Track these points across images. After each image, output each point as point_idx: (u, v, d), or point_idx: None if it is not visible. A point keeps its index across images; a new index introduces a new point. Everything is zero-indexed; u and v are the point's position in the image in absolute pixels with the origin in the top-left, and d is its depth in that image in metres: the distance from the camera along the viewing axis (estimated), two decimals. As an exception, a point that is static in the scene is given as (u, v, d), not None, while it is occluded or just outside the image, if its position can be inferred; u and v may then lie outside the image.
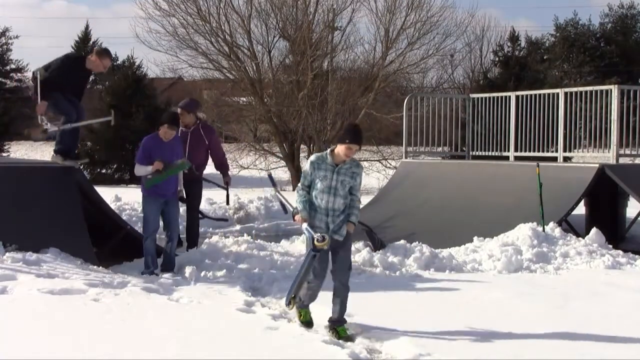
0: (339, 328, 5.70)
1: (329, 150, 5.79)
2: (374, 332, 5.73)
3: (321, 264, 5.74)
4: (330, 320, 5.79)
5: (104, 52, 9.13)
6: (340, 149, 5.68)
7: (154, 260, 8.22)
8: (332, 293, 5.78)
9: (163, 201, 8.27)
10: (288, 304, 5.84)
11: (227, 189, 10.23)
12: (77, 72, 8.85)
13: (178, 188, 8.55)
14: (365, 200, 14.46)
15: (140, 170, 8.21)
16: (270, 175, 9.17)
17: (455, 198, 11.77)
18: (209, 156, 9.81)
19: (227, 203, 11.07)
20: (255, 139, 25.43)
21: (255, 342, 5.42)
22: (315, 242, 5.51)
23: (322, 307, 6.56)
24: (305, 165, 5.90)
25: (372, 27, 28.34)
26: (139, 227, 10.84)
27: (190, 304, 6.65)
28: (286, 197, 9.10)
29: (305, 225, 5.69)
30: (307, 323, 5.88)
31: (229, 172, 10.20)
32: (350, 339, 5.60)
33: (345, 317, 5.78)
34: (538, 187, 9.71)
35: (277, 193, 8.73)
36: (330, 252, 5.74)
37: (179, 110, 9.50)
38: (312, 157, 5.85)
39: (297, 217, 5.79)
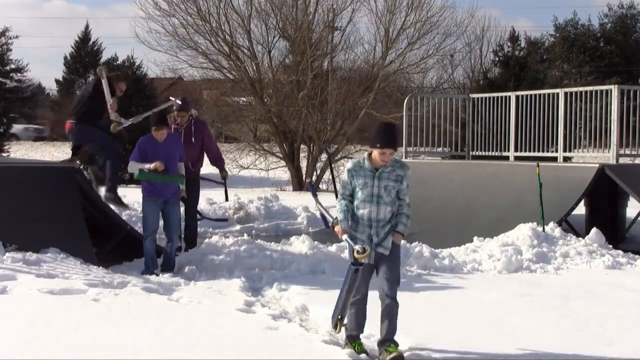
0: (389, 348, 5.11)
1: (366, 154, 5.26)
2: (374, 332, 5.72)
3: (362, 278, 5.17)
4: (381, 341, 5.21)
5: (120, 77, 9.35)
6: (374, 154, 5.17)
7: (153, 260, 8.23)
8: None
9: (162, 201, 8.28)
10: (335, 326, 5.29)
11: (224, 184, 10.07)
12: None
13: (180, 188, 8.54)
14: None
15: (133, 166, 8.23)
16: (310, 184, 8.62)
17: (455, 198, 11.77)
18: (204, 153, 9.68)
19: (226, 199, 10.96)
20: (255, 139, 25.42)
21: (255, 342, 5.42)
22: (355, 254, 4.97)
23: (321, 307, 6.57)
24: (343, 174, 5.37)
25: (372, 27, 28.36)
26: (139, 227, 10.83)
27: (190, 304, 6.65)
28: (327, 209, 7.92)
29: (345, 237, 5.18)
30: (362, 352, 5.27)
31: (225, 167, 10.10)
32: (401, 357, 5.08)
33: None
34: (538, 187, 9.71)
35: (317, 204, 7.59)
36: (374, 266, 5.22)
37: (175, 113, 9.35)
38: (349, 164, 5.34)
39: (336, 228, 5.26)
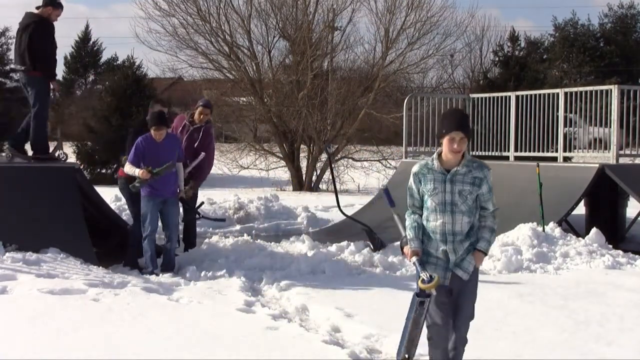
0: None
1: (435, 153, 4.36)
2: (374, 332, 5.72)
3: (440, 311, 4.30)
4: None
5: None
6: (444, 145, 4.26)
7: (153, 260, 8.23)
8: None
9: (161, 201, 8.27)
10: None
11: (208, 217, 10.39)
12: None
13: (179, 189, 8.54)
14: (365, 200, 14.48)
15: (130, 170, 8.23)
16: (386, 191, 6.65)
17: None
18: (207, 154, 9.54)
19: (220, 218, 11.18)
20: (255, 139, 25.40)
21: (255, 342, 5.42)
22: (420, 283, 4.15)
23: (321, 307, 6.57)
24: (409, 181, 4.45)
25: (372, 27, 28.33)
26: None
27: (190, 304, 6.65)
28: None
29: (414, 259, 4.30)
30: None
31: (204, 179, 9.53)
32: None
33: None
34: (538, 187, 9.71)
35: (395, 215, 5.62)
36: (450, 289, 4.33)
37: (200, 109, 9.22)
38: (415, 167, 4.41)
39: (405, 249, 4.37)
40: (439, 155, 4.31)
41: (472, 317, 4.39)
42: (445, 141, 4.22)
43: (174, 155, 8.31)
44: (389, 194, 6.32)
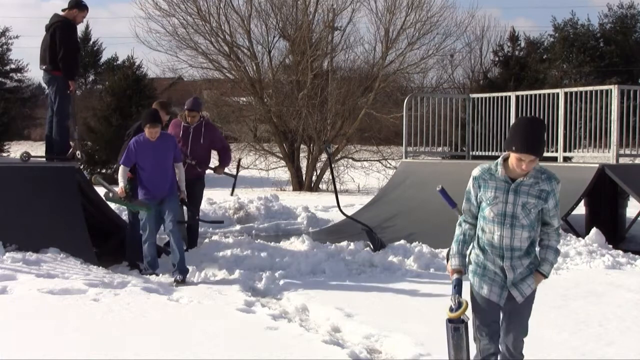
0: None
1: (500, 159, 3.91)
2: (374, 332, 5.72)
3: (489, 330, 3.96)
4: None
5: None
6: (511, 158, 3.82)
7: (155, 261, 8.10)
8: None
9: (158, 202, 8.02)
10: None
11: (235, 177, 10.22)
12: None
13: (180, 190, 8.27)
14: (365, 200, 14.49)
15: (119, 175, 8.07)
16: (442, 191, 5.57)
17: (456, 198, 11.75)
18: (211, 154, 9.61)
19: (231, 194, 11.06)
20: (255, 139, 25.41)
21: (255, 342, 5.42)
22: (447, 311, 3.85)
23: (321, 307, 6.57)
24: (468, 184, 4.02)
25: (372, 27, 28.32)
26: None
27: (190, 304, 6.65)
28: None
29: (454, 277, 3.95)
30: None
31: (229, 164, 10.09)
32: None
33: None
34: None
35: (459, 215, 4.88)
36: (500, 308, 3.95)
37: (186, 112, 9.27)
38: (475, 171, 3.97)
39: (448, 266, 4.04)
40: (505, 160, 3.87)
41: (526, 332, 4.06)
42: (514, 158, 3.78)
43: (169, 156, 8.05)
44: (447, 193, 5.36)
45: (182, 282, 7.62)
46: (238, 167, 9.90)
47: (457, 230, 4.00)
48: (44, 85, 9.70)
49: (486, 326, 3.94)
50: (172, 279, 7.69)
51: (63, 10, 9.29)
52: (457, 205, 4.88)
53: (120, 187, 7.96)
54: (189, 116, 9.30)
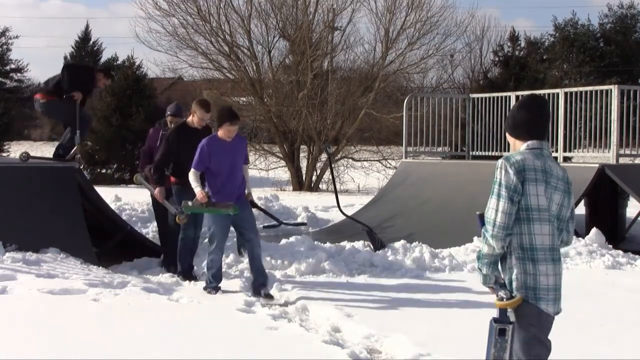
0: None
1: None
2: (374, 332, 5.72)
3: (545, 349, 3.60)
4: None
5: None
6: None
7: (219, 272, 7.28)
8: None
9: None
10: None
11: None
12: None
13: (247, 191, 7.44)
14: (365, 200, 14.49)
15: (192, 180, 7.13)
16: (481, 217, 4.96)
17: (455, 198, 11.76)
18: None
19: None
20: (255, 139, 25.43)
21: (255, 342, 5.42)
22: (496, 301, 3.37)
23: (321, 307, 6.57)
24: (500, 173, 3.37)
25: (372, 27, 28.36)
26: (139, 227, 10.85)
27: (190, 304, 6.65)
28: None
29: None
30: None
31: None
32: None
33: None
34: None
35: None
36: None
37: (169, 118, 8.93)
38: (507, 161, 3.38)
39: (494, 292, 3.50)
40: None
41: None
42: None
43: (242, 158, 7.36)
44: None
45: (270, 296, 7.06)
46: None
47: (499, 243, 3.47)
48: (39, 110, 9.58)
49: (539, 343, 3.68)
50: (254, 294, 7.08)
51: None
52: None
53: (199, 192, 7.03)
54: (172, 122, 9.14)
